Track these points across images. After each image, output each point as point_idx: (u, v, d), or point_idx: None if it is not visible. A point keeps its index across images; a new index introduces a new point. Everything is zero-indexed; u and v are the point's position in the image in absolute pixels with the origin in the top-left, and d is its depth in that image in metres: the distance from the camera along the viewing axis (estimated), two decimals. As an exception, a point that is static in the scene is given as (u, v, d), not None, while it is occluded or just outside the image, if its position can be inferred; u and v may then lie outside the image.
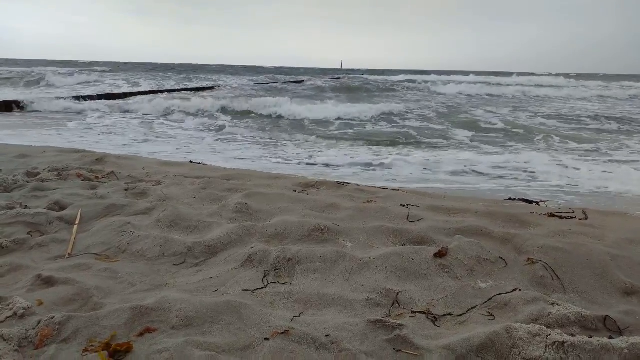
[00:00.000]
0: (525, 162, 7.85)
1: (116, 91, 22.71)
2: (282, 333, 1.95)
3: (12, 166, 5.24)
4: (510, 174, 7.08)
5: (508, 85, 37.50)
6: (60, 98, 17.48)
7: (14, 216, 3.34)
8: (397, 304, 2.31)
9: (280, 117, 15.53)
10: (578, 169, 7.45)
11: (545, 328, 1.91)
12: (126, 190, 4.32)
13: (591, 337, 1.90)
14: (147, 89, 24.27)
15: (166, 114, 15.77)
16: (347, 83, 36.42)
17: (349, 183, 5.05)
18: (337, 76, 51.72)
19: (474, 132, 12.41)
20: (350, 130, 12.70)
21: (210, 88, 28.18)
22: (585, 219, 3.72)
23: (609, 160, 8.45)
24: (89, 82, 30.84)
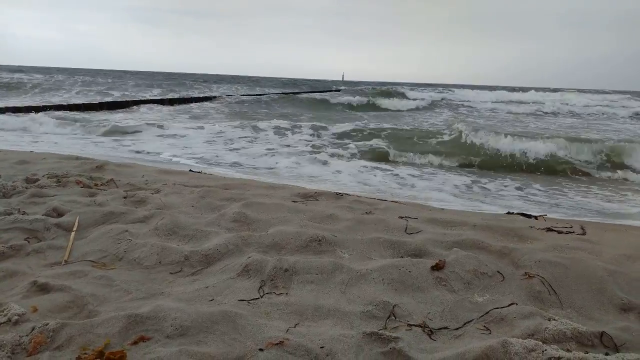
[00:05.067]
0: None
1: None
2: (277, 344, 1.94)
3: (12, 172, 5.25)
4: None
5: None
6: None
7: (11, 222, 3.34)
8: (393, 317, 2.30)
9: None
10: None
11: (541, 343, 1.90)
12: (125, 197, 4.32)
13: (587, 353, 1.90)
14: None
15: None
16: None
17: (348, 194, 5.06)
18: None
19: None
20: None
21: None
22: (584, 233, 3.72)
23: None
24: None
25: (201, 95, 27.16)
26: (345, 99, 28.35)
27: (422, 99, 31.21)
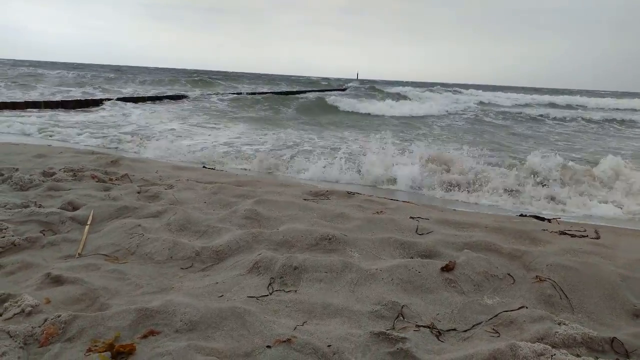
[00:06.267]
0: None
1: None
2: (285, 341, 1.95)
3: (30, 165, 5.34)
4: None
5: None
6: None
7: (28, 214, 3.41)
8: (401, 317, 2.30)
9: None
10: None
11: (550, 347, 1.88)
12: (138, 192, 4.37)
13: (597, 358, 1.88)
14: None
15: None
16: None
17: (359, 193, 5.05)
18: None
19: None
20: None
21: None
22: (597, 237, 3.66)
23: None
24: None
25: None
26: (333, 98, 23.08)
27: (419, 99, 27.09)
